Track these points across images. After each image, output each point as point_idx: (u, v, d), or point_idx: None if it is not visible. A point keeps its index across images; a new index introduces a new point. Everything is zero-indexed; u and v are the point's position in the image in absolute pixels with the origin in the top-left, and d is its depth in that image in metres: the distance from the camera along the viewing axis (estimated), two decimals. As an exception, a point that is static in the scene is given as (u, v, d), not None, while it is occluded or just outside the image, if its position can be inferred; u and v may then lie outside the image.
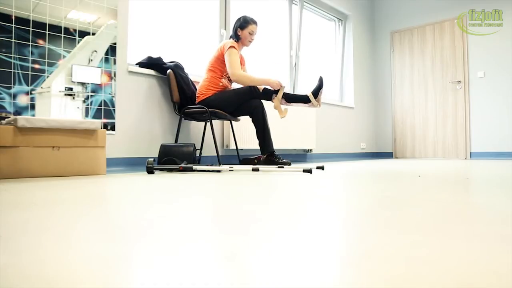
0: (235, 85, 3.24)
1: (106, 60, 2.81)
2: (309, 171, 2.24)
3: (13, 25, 2.34)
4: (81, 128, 2.19)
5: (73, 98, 2.62)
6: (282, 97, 3.03)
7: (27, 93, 2.40)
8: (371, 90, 6.02)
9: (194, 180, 1.85)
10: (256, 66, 3.98)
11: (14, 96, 2.35)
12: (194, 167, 2.39)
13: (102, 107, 2.76)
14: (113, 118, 2.83)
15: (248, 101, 2.99)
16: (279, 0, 4.64)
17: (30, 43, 2.41)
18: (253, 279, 0.47)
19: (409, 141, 5.72)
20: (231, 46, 2.99)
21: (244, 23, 3.10)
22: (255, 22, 3.14)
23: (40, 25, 2.46)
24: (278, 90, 2.99)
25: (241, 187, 1.55)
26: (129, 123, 2.94)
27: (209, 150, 3.41)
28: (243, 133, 3.60)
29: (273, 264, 0.52)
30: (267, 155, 2.98)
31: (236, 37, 3.13)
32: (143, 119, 3.03)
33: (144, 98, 3.06)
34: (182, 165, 2.43)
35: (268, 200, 1.19)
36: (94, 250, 0.60)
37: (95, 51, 2.75)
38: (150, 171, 2.27)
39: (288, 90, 4.55)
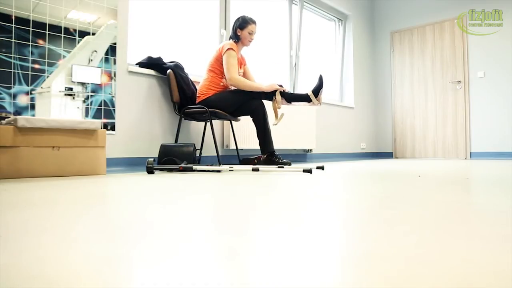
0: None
1: (106, 60, 2.81)
2: (309, 171, 2.24)
3: (13, 25, 2.34)
4: (81, 128, 2.19)
5: (73, 98, 2.62)
6: (283, 97, 3.03)
7: (27, 93, 2.40)
8: (371, 90, 6.02)
9: (194, 180, 1.85)
10: (256, 66, 3.98)
11: (14, 96, 2.35)
12: (194, 167, 2.39)
13: (102, 107, 2.76)
14: (113, 118, 2.83)
15: (249, 101, 2.99)
16: (279, 0, 4.64)
17: (30, 43, 2.41)
18: (253, 279, 0.47)
19: (409, 141, 5.72)
20: (229, 49, 2.99)
21: (243, 23, 3.10)
22: (254, 22, 3.14)
23: (40, 25, 2.46)
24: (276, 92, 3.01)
25: (241, 187, 1.55)
26: (129, 123, 2.94)
27: (209, 150, 3.41)
28: (243, 133, 3.60)
29: (273, 264, 0.52)
30: (267, 155, 2.98)
31: (235, 37, 3.13)
32: (143, 119, 3.03)
33: (144, 98, 3.06)
34: (182, 165, 2.43)
35: (268, 200, 1.19)
36: (94, 250, 0.60)
37: (95, 51, 2.75)
38: (150, 171, 2.27)
39: (288, 90, 4.55)
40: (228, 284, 0.45)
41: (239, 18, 3.14)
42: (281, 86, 3.10)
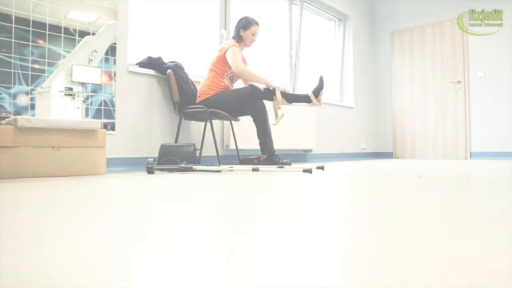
0: (236, 86, 3.25)
1: (106, 60, 2.81)
2: (309, 171, 2.24)
3: (13, 25, 2.34)
4: (81, 128, 2.19)
5: (73, 98, 2.62)
6: (283, 97, 3.04)
7: (27, 93, 2.40)
8: (371, 90, 6.01)
9: (194, 180, 1.85)
10: (256, 66, 3.98)
11: (14, 96, 2.35)
12: (194, 167, 2.39)
13: (102, 107, 2.76)
14: (113, 118, 2.83)
15: (249, 101, 2.99)
16: (279, 0, 4.64)
17: (30, 43, 2.41)
18: (253, 279, 0.47)
19: (409, 141, 5.72)
20: (232, 45, 3.01)
21: (246, 24, 3.11)
22: (257, 23, 3.15)
23: (40, 25, 2.46)
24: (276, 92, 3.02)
25: (241, 187, 1.55)
26: (129, 123, 2.94)
27: (209, 150, 3.41)
28: (243, 133, 3.60)
29: (273, 264, 0.52)
30: (267, 155, 2.98)
31: (238, 37, 3.13)
32: (143, 119, 3.03)
33: (144, 98, 3.06)
34: (182, 165, 2.43)
35: (268, 200, 1.19)
36: (94, 250, 0.60)
37: (95, 51, 2.75)
38: (150, 171, 2.27)
39: (288, 90, 4.55)
40: (228, 284, 0.45)
41: (242, 18, 3.14)
42: (284, 88, 3.12)
